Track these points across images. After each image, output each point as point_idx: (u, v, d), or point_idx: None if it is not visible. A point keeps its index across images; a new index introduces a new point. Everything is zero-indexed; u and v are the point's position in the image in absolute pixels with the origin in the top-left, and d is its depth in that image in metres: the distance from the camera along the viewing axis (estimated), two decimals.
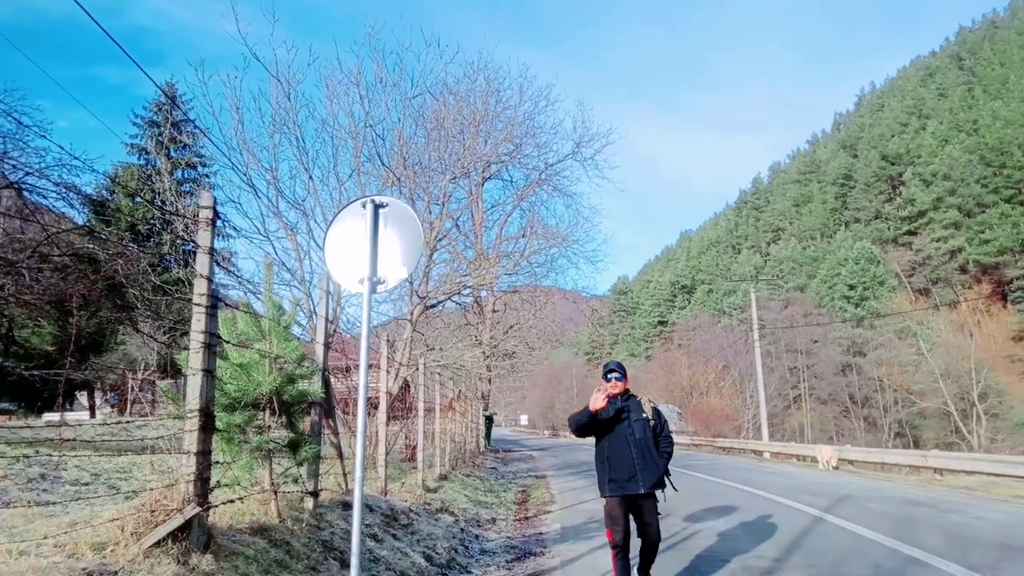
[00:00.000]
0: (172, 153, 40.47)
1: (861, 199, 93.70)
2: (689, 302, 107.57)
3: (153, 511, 3.37)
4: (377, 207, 4.24)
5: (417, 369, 10.84)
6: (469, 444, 18.96)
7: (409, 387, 15.93)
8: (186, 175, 41.30)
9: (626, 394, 5.22)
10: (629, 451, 4.99)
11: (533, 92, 30.98)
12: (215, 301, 3.83)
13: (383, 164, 13.02)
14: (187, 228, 13.37)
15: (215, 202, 3.89)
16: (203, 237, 3.80)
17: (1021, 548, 7.21)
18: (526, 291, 25.89)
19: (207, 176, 40.94)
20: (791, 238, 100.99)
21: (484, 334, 26.12)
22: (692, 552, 7.01)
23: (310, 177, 12.08)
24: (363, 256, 4.17)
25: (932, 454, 18.32)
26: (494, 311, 27.99)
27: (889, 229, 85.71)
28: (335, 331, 11.42)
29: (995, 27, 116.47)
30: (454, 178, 15.27)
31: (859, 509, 10.25)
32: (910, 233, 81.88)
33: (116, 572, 2.99)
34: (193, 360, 3.66)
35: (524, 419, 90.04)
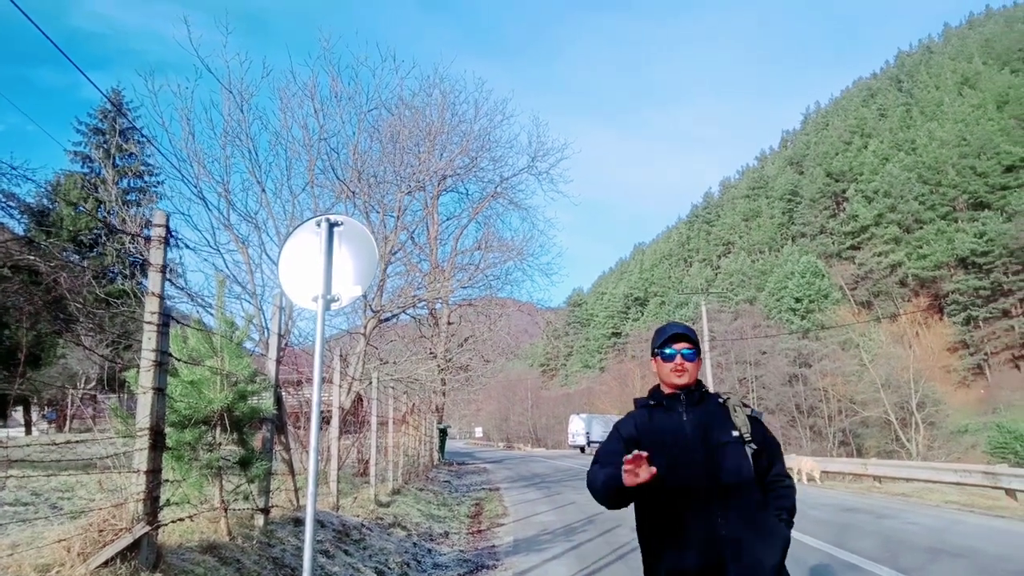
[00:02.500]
0: (118, 162, 39.43)
1: (807, 214, 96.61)
2: (642, 314, 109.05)
3: (101, 531, 3.35)
4: (332, 225, 4.30)
5: (370, 383, 10.81)
6: (423, 457, 18.89)
7: (362, 401, 15.81)
8: (132, 184, 40.26)
9: (698, 388, 2.53)
10: (707, 508, 2.32)
11: (489, 107, 31.24)
12: (167, 319, 3.83)
13: (337, 178, 12.99)
14: (133, 240, 13.09)
15: (168, 220, 3.89)
16: (155, 255, 3.80)
17: (948, 551, 7.58)
18: (481, 303, 25.95)
19: (155, 186, 40.00)
20: (741, 252, 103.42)
21: (439, 347, 26.08)
22: (640, 561, 7.16)
23: (263, 190, 11.98)
24: (317, 274, 4.22)
25: (872, 462, 18.99)
26: (449, 323, 27.96)
27: (833, 244, 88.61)
28: (286, 345, 11.31)
29: (930, 52, 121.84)
30: (409, 191, 15.29)
31: (801, 517, 10.58)
32: (853, 248, 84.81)
33: None
34: (143, 378, 3.66)
35: (479, 431, 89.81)
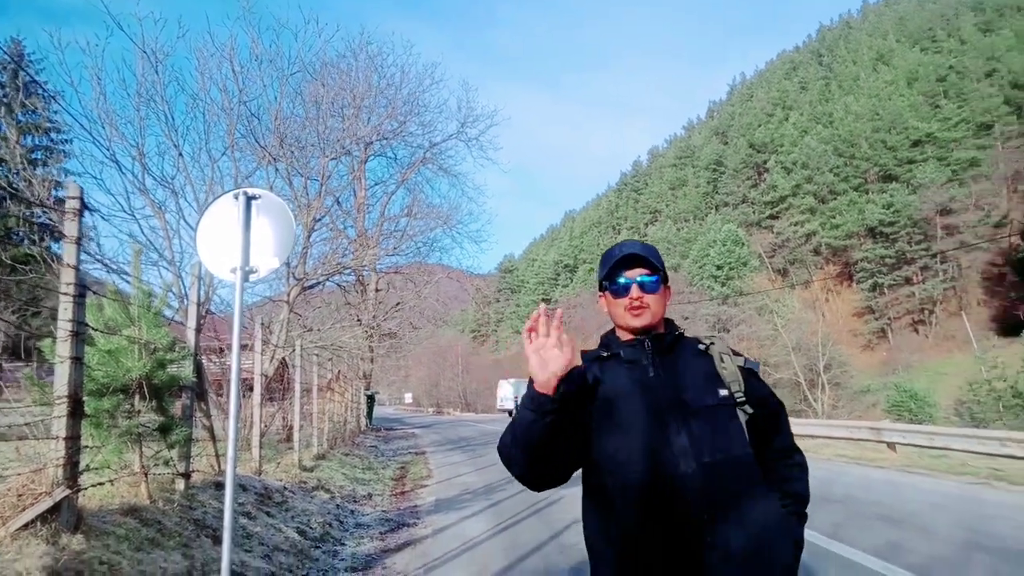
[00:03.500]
0: (21, 118, 37.15)
1: (730, 184, 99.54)
2: (571, 280, 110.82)
3: (20, 495, 3.47)
4: (250, 199, 4.41)
5: (294, 350, 10.88)
6: (349, 423, 19.02)
7: (287, 368, 15.78)
8: (38, 142, 38.05)
9: (668, 330, 1.84)
10: (685, 501, 1.59)
11: (418, 70, 30.94)
12: (83, 290, 3.90)
13: (258, 143, 12.78)
14: (40, 203, 12.60)
15: (82, 192, 3.94)
16: (69, 227, 3.86)
17: (828, 499, 8.36)
18: (409, 270, 26.01)
19: (62, 144, 37.99)
20: (667, 220, 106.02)
21: (366, 314, 26.04)
22: (555, 515, 7.65)
23: (180, 154, 11.72)
24: (235, 245, 4.35)
25: None
26: (377, 290, 27.89)
27: (754, 213, 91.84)
28: (207, 313, 11.21)
29: (849, 27, 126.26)
30: (334, 157, 15.19)
31: None
32: (772, 217, 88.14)
33: None
34: (61, 348, 3.75)
35: (408, 397, 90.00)
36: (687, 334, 1.84)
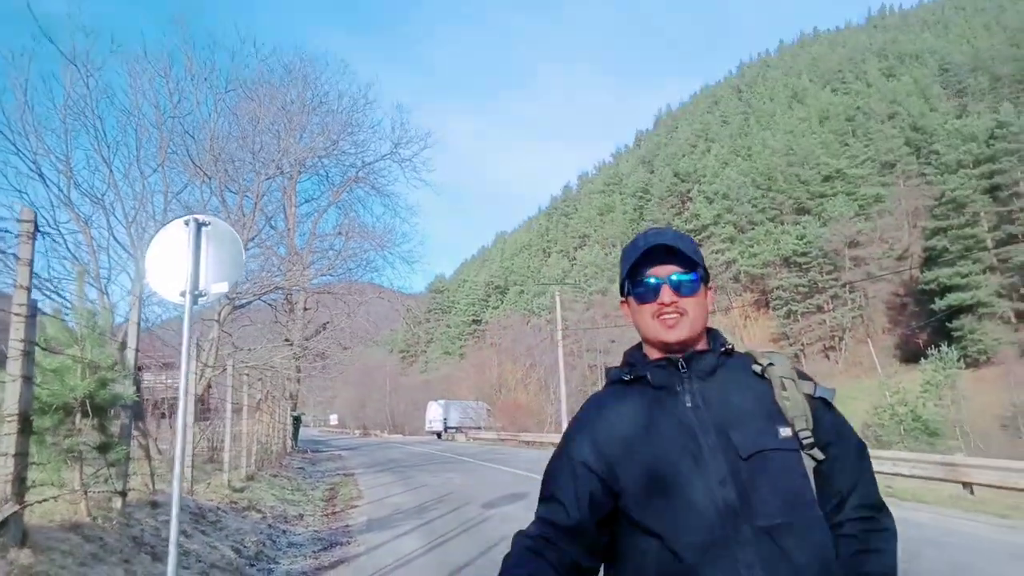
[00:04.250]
0: None
1: (656, 211, 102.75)
2: (502, 302, 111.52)
3: None
4: (200, 225, 4.60)
5: (224, 370, 10.84)
6: (276, 445, 18.75)
7: (210, 388, 15.50)
8: None
9: (714, 344, 1.40)
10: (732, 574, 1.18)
11: (352, 91, 31.00)
12: (34, 311, 4.02)
13: (192, 161, 12.71)
14: None
15: (35, 216, 4.07)
16: (24, 250, 3.98)
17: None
18: (340, 289, 25.87)
19: None
20: (595, 244, 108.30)
21: (295, 333, 25.70)
22: (486, 532, 7.94)
23: (110, 169, 11.56)
24: (184, 270, 4.52)
25: None
26: (305, 309, 27.59)
27: None
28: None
29: (767, 66, 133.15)
30: (269, 177, 15.20)
31: None
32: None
33: None
34: (11, 367, 3.85)
35: (334, 418, 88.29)
36: (739, 349, 1.40)
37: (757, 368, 1.35)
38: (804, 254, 75.94)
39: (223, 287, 4.62)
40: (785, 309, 76.93)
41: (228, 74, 14.81)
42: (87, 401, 4.78)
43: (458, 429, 48.13)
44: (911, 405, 44.00)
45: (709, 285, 1.42)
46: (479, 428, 46.42)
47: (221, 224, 4.71)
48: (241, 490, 9.83)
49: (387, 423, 75.09)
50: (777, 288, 78.09)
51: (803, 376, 1.35)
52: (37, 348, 4.15)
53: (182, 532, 5.87)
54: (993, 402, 49.58)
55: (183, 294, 4.48)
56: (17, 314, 3.89)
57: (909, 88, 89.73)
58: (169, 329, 14.76)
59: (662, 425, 1.29)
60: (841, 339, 73.94)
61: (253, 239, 14.56)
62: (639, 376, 1.37)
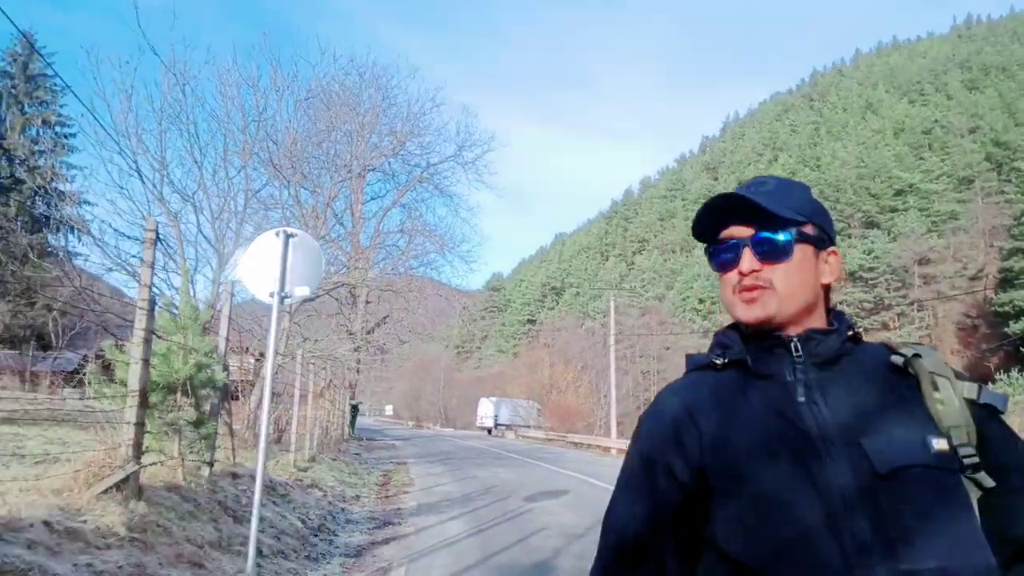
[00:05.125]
0: (27, 109, 37.90)
1: None
2: (558, 303, 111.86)
3: (101, 467, 4.36)
4: (288, 236, 5.35)
5: (294, 358, 11.75)
6: (335, 431, 19.79)
7: (277, 374, 16.48)
8: (42, 133, 38.61)
9: (838, 324, 1.06)
10: None
11: (420, 94, 31.96)
12: (153, 304, 4.82)
13: (272, 163, 13.72)
14: (43, 190, 13.37)
15: (157, 226, 4.87)
16: (147, 254, 4.78)
17: None
18: (400, 284, 26.84)
19: (66, 137, 38.61)
20: (654, 250, 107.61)
21: (356, 325, 26.81)
22: (526, 522, 8.55)
23: (200, 170, 12.63)
24: (273, 274, 5.27)
25: None
26: (367, 303, 28.72)
27: None
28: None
29: (841, 75, 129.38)
30: (341, 180, 16.17)
31: None
32: None
33: (79, 509, 3.99)
34: (134, 351, 4.65)
35: (389, 409, 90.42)
36: (867, 338, 1.09)
37: (898, 360, 1.00)
38: (871, 269, 73.82)
39: (305, 290, 5.36)
40: None
41: (308, 83, 15.85)
42: (187, 382, 5.60)
43: (508, 426, 48.90)
44: None
45: (827, 248, 1.08)
46: (528, 427, 47.07)
47: (305, 236, 5.45)
48: (305, 470, 10.71)
49: (440, 416, 76.58)
50: (841, 303, 76.09)
51: (962, 376, 0.99)
52: (157, 336, 4.97)
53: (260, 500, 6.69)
54: None
55: (272, 295, 5.23)
56: (141, 307, 4.69)
57: (993, 102, 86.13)
58: (241, 314, 15.88)
59: (766, 425, 0.96)
60: None
61: (323, 236, 15.53)
62: (735, 360, 1.05)
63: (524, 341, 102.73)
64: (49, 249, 35.24)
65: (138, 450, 4.56)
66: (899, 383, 0.99)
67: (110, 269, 11.98)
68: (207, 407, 6.07)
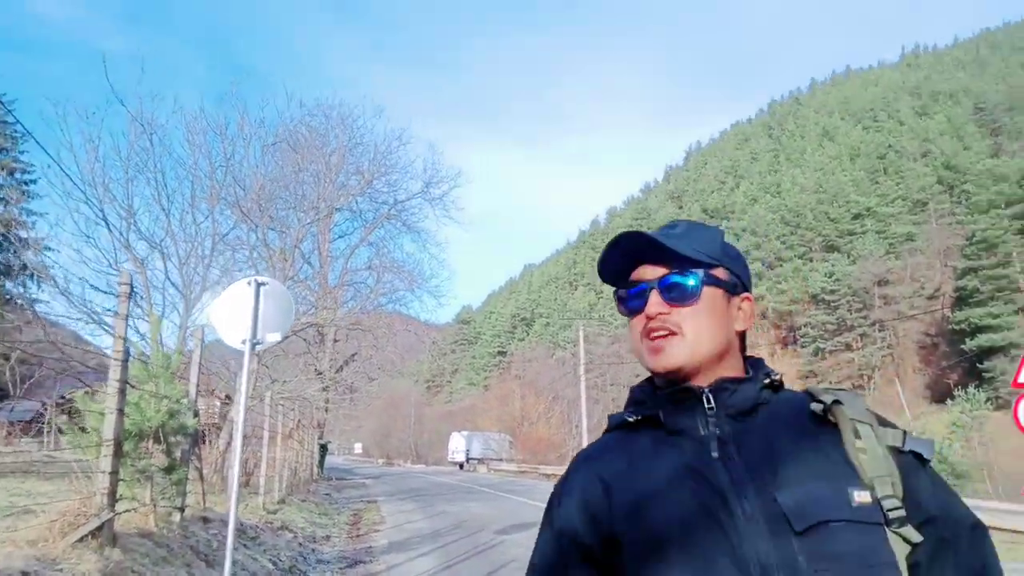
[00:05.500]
0: None
1: None
2: (528, 334, 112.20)
3: (76, 516, 4.48)
4: (259, 285, 5.57)
5: (262, 400, 11.81)
6: (304, 472, 19.67)
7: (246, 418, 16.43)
8: (2, 181, 38.11)
9: (755, 372, 1.02)
10: None
11: (387, 133, 32.38)
12: (127, 355, 4.99)
13: (240, 208, 13.89)
14: (3, 237, 13.33)
15: (131, 279, 5.06)
16: (121, 307, 4.96)
17: None
18: (368, 321, 26.88)
19: (27, 183, 38.20)
20: None
21: (324, 363, 26.75)
22: (496, 555, 8.71)
23: (167, 217, 12.75)
24: (246, 322, 5.48)
25: None
26: (335, 341, 28.67)
27: None
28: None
29: (799, 104, 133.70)
30: (309, 223, 16.38)
31: None
32: None
33: (55, 559, 4.11)
34: (109, 402, 4.80)
35: (359, 447, 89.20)
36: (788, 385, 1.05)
37: (817, 407, 0.95)
38: (833, 291, 75.62)
39: (276, 336, 5.57)
40: (813, 347, 76.45)
41: (275, 128, 16.14)
42: (159, 429, 5.74)
43: (480, 460, 48.70)
44: (937, 446, 43.67)
45: (740, 293, 1.06)
46: (500, 460, 46.95)
47: (276, 284, 5.68)
48: (275, 512, 10.72)
49: (410, 453, 75.80)
50: (805, 325, 77.74)
51: (885, 423, 0.95)
52: (132, 386, 5.12)
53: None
54: (1022, 445, 48.85)
55: (244, 342, 5.43)
56: (115, 359, 4.86)
57: (943, 127, 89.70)
58: (208, 357, 15.86)
59: (677, 484, 0.92)
60: (870, 378, 73.15)
61: (291, 277, 15.66)
62: (648, 417, 1.01)
63: (495, 373, 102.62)
64: (8, 297, 34.69)
65: (112, 498, 4.69)
66: (820, 432, 0.93)
67: (77, 319, 11.97)
68: (178, 453, 6.19)
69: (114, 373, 4.84)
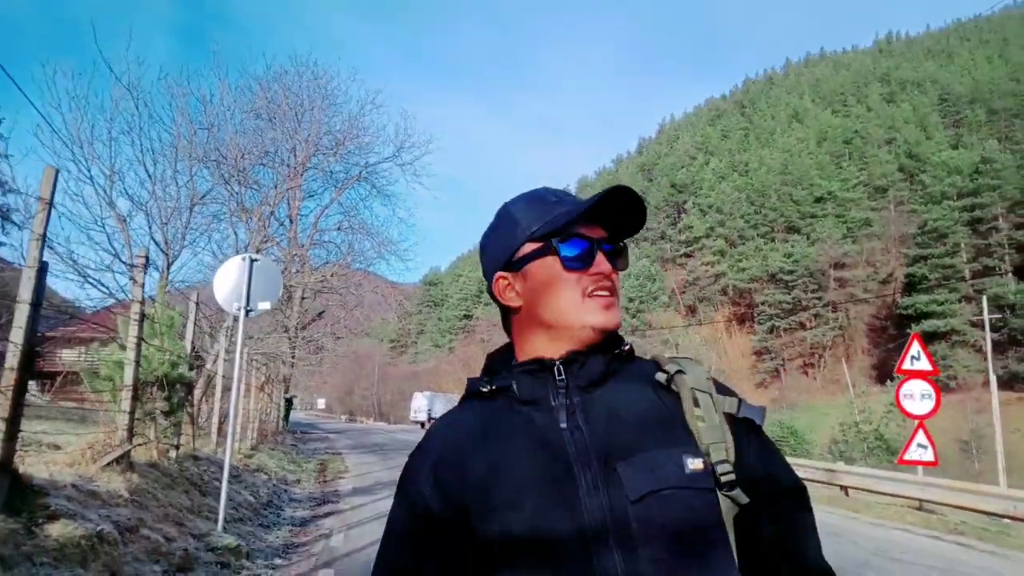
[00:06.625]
0: None
1: (651, 220, 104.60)
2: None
3: (104, 445, 5.51)
4: (252, 260, 6.55)
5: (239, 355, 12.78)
6: (270, 424, 20.71)
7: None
8: None
9: (612, 343, 1.02)
10: None
11: (361, 96, 32.75)
12: (143, 316, 5.97)
13: (221, 176, 14.61)
14: None
15: (147, 252, 6.01)
16: (138, 275, 5.93)
17: None
18: (337, 282, 27.67)
19: None
20: None
21: (292, 320, 27.54)
22: None
23: (152, 179, 13.45)
24: (241, 291, 6.47)
25: None
26: (303, 298, 29.42)
27: (671, 250, 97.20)
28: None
29: (772, 83, 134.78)
30: (283, 182, 17.16)
31: None
32: (686, 255, 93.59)
33: (91, 477, 5.15)
34: (129, 354, 5.80)
35: (321, 403, 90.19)
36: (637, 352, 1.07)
37: (662, 377, 0.98)
38: (791, 272, 78.07)
39: (267, 305, 6.58)
40: (768, 324, 79.06)
41: (254, 96, 16.78)
42: (163, 378, 6.74)
43: None
44: (875, 424, 46.26)
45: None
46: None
47: (267, 260, 6.67)
48: (250, 456, 11.80)
49: (373, 410, 77.12)
50: (762, 303, 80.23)
51: (725, 390, 0.99)
52: (145, 341, 6.11)
53: (216, 479, 7.86)
54: (955, 426, 51.96)
55: (238, 309, 6.44)
56: (133, 319, 5.84)
57: (908, 115, 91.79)
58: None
59: (526, 454, 0.93)
60: (821, 356, 76.08)
61: (267, 240, 16.49)
62: (502, 388, 1.01)
63: (460, 336, 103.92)
64: None
65: (131, 433, 5.71)
66: (663, 400, 0.96)
67: (61, 272, 12.65)
68: (176, 399, 7.20)
69: (132, 331, 5.82)
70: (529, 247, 1.01)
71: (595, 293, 0.98)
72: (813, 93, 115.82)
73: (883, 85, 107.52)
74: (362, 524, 8.01)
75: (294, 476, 12.04)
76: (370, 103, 35.77)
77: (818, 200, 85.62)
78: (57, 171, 4.75)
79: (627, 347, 1.03)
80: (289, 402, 35.52)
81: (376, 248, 23.76)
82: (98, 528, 4.37)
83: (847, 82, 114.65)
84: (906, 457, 11.85)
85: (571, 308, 0.98)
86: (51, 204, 4.35)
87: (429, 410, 51.84)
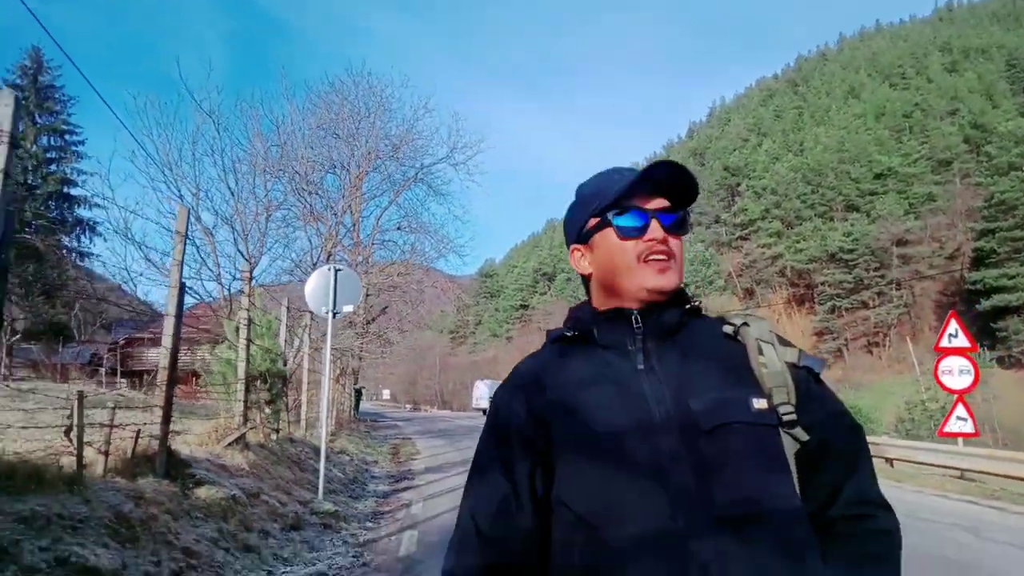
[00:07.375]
0: (38, 120, 39.48)
1: (705, 205, 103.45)
2: (549, 288, 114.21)
3: (225, 428, 6.71)
4: (336, 271, 7.66)
5: (319, 350, 14.10)
6: (345, 413, 22.21)
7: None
8: (52, 142, 40.37)
9: (677, 299, 1.15)
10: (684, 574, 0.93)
11: (413, 102, 33.95)
12: (250, 321, 7.15)
13: (294, 188, 15.98)
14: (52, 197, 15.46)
15: (251, 268, 7.18)
16: (246, 288, 7.10)
17: None
18: (400, 280, 29.06)
19: (75, 144, 40.41)
20: None
21: (359, 316, 29.06)
22: None
23: (234, 196, 14.83)
24: (327, 296, 7.59)
25: None
26: (367, 295, 30.93)
27: (726, 234, 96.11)
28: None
29: (825, 60, 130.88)
30: (348, 189, 18.49)
31: None
32: (742, 239, 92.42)
33: (218, 455, 6.34)
34: (241, 353, 6.99)
35: (387, 393, 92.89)
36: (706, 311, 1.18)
37: (729, 329, 1.12)
38: (851, 251, 76.38)
39: (350, 308, 7.69)
40: (829, 304, 77.64)
41: (318, 112, 18.23)
42: (265, 373, 7.94)
43: None
44: (942, 401, 45.44)
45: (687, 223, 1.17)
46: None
47: (348, 270, 7.77)
48: (332, 441, 13.09)
49: (436, 399, 79.20)
50: (822, 284, 78.78)
51: (785, 342, 1.12)
52: (252, 343, 7.30)
53: (311, 458, 9.08)
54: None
55: (326, 312, 7.56)
56: (242, 323, 7.01)
57: (972, 84, 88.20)
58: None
59: (606, 390, 1.05)
60: (885, 335, 74.38)
61: (336, 245, 17.83)
62: (584, 334, 1.14)
63: (517, 325, 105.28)
64: (65, 249, 37.47)
65: (245, 419, 6.90)
66: (730, 350, 1.09)
67: (153, 279, 14.14)
68: (275, 391, 8.41)
69: (243, 333, 7.00)
70: (592, 222, 1.16)
71: (650, 258, 1.10)
72: (869, 67, 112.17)
73: (944, 55, 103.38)
74: (438, 496, 9.09)
75: (372, 457, 13.29)
76: (423, 108, 37.21)
77: (878, 176, 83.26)
78: (188, 210, 5.92)
79: (697, 303, 1.17)
80: (359, 393, 37.26)
81: (436, 247, 24.95)
82: (231, 493, 5.52)
83: (905, 54, 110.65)
84: (946, 429, 12.30)
85: (628, 272, 1.11)
86: (186, 237, 5.47)
87: (490, 397, 53.10)
